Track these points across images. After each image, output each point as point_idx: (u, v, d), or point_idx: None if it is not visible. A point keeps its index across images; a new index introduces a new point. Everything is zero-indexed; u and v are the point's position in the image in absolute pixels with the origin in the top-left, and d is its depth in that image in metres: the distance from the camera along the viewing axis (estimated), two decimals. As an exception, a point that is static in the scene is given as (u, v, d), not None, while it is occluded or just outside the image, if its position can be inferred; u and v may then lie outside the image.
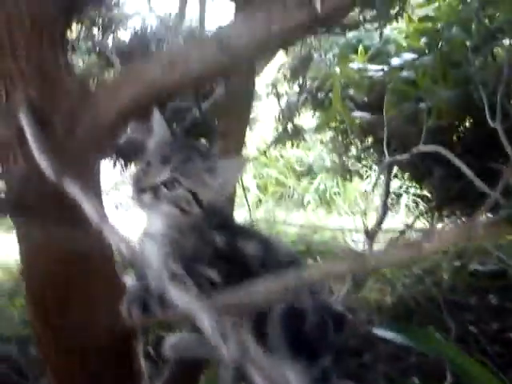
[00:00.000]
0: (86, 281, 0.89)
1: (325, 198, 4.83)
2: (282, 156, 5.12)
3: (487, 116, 1.46)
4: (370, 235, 2.08)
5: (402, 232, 2.01)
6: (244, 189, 2.16)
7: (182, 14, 1.05)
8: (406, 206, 2.62)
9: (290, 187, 5.14)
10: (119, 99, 0.81)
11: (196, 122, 1.48)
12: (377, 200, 4.05)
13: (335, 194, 4.81)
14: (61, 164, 0.75)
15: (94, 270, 0.90)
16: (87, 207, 0.60)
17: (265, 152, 2.12)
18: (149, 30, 1.76)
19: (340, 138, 2.68)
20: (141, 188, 0.85)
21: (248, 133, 1.67)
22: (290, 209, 4.84)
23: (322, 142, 2.97)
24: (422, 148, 1.47)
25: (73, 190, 0.63)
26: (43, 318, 0.91)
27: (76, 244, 0.85)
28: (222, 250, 0.95)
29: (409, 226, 2.07)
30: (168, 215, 0.91)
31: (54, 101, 0.79)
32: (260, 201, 5.01)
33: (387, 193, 2.14)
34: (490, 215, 1.01)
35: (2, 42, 0.74)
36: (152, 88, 0.80)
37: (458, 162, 1.40)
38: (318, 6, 0.66)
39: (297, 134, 2.35)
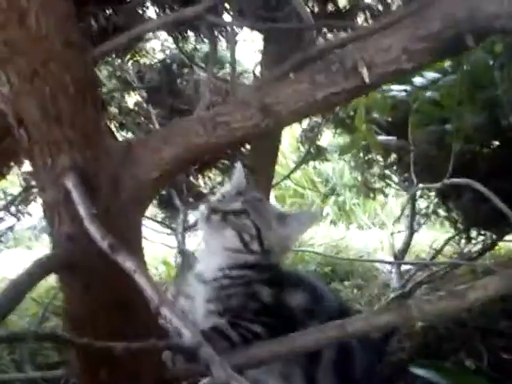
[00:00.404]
0: (128, 331, 0.90)
1: (344, 210, 4.80)
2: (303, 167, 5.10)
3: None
4: (399, 258, 2.07)
5: (432, 258, 2.01)
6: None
7: (213, 53, 1.06)
8: (433, 226, 2.61)
9: (308, 198, 5.12)
10: (161, 159, 0.81)
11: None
12: (397, 210, 4.02)
13: (355, 205, 4.78)
14: (105, 224, 0.77)
15: (136, 320, 0.91)
16: (144, 284, 0.60)
17: (290, 174, 2.11)
18: (174, 66, 1.77)
19: (362, 154, 2.66)
20: (213, 209, 0.96)
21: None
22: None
23: (343, 159, 2.97)
24: (454, 180, 1.46)
25: (127, 264, 0.63)
26: (89, 369, 0.93)
27: (120, 296, 0.87)
28: (268, 305, 0.96)
29: (438, 251, 2.06)
30: (229, 244, 0.96)
31: (98, 163, 0.80)
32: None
33: (413, 215, 2.13)
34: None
35: (48, 109, 0.75)
36: (194, 148, 0.80)
37: (487, 192, 1.39)
38: (366, 76, 0.65)
39: (320, 155, 2.35)
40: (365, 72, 0.66)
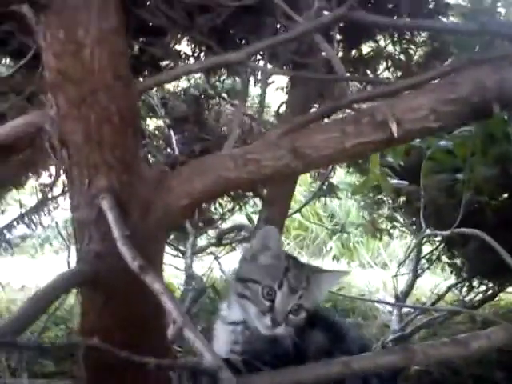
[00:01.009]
0: (141, 350, 0.93)
1: (348, 247, 4.83)
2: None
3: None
4: (400, 300, 2.09)
5: (433, 303, 2.04)
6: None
7: (244, 91, 1.11)
8: (436, 272, 2.64)
9: (312, 231, 5.15)
10: (192, 189, 0.86)
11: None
12: (400, 252, 4.05)
13: (358, 243, 4.81)
14: (134, 246, 0.81)
15: (149, 340, 0.94)
16: (170, 307, 0.64)
17: (300, 209, 2.15)
18: (202, 97, 1.84)
19: (372, 194, 2.70)
20: (276, 321, 0.98)
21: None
22: (312, 254, 4.85)
23: (353, 197, 3.01)
24: (462, 230, 1.50)
25: (155, 285, 0.67)
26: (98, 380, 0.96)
27: (137, 316, 0.91)
28: (287, 350, 1.00)
29: (439, 297, 2.09)
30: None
31: (132, 188, 0.85)
32: (282, 244, 5.02)
33: (418, 260, 2.16)
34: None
35: (91, 135, 0.80)
36: (224, 182, 0.85)
37: (494, 243, 1.43)
38: (395, 129, 0.70)
39: (331, 192, 2.39)
40: (394, 126, 0.70)
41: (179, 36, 1.34)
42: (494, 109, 0.64)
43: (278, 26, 1.23)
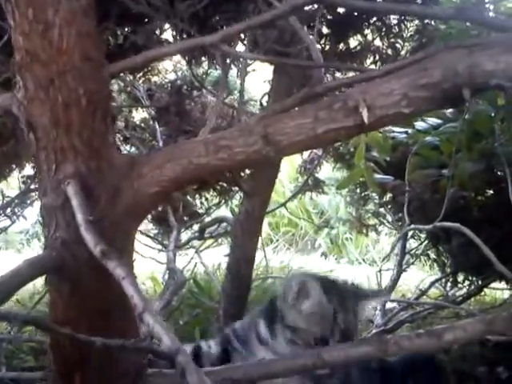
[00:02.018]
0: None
1: (336, 243, 4.83)
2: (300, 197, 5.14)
3: (511, 198, 1.48)
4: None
5: (416, 298, 2.03)
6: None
7: (224, 80, 1.09)
8: (422, 267, 2.63)
9: (301, 228, 5.14)
10: (162, 176, 0.84)
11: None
12: (388, 248, 4.05)
13: (347, 239, 4.81)
14: (100, 232, 0.79)
15: (115, 330, 0.92)
16: (130, 292, 0.63)
17: (285, 203, 2.14)
18: (184, 88, 1.82)
19: (359, 190, 2.70)
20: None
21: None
22: (301, 250, 4.85)
23: (340, 193, 3.00)
24: (445, 224, 1.49)
25: (117, 270, 0.65)
26: (64, 372, 0.94)
27: (103, 304, 0.89)
28: None
29: (423, 292, 2.08)
30: None
31: (100, 174, 0.83)
32: (271, 240, 5.02)
33: (403, 255, 2.15)
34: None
35: (59, 118, 0.78)
36: (195, 168, 0.83)
37: (476, 238, 1.42)
38: (365, 115, 0.69)
39: (317, 187, 2.38)
40: (365, 113, 0.69)
41: (161, 24, 1.32)
42: (464, 95, 0.62)
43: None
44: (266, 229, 5.19)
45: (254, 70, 1.18)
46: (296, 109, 0.79)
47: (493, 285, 2.25)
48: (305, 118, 0.75)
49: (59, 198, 0.81)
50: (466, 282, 2.19)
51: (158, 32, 1.44)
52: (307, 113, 0.75)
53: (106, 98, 0.81)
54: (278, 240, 5.07)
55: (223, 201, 2.52)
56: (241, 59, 1.13)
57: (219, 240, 2.57)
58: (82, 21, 0.75)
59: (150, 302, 0.62)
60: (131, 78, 2.29)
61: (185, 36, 1.29)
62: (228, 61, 1.14)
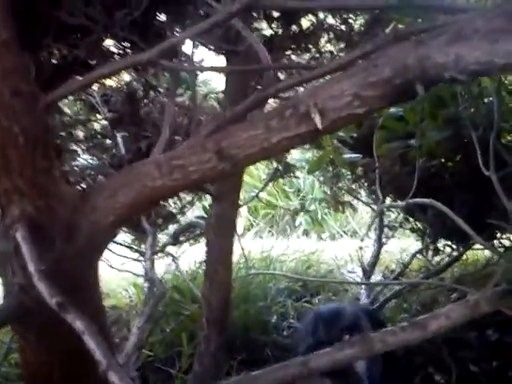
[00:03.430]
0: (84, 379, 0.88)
1: (316, 220, 4.83)
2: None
3: (480, 165, 1.47)
4: (367, 271, 2.08)
5: (400, 273, 2.03)
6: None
7: (175, 85, 1.04)
8: (399, 234, 2.64)
9: (281, 209, 5.13)
10: (117, 204, 0.80)
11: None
12: (367, 218, 4.06)
13: (326, 214, 4.81)
14: (60, 272, 0.75)
15: (92, 368, 0.89)
16: (92, 347, 0.59)
17: (258, 193, 2.11)
18: (139, 91, 1.76)
19: (330, 168, 2.68)
20: None
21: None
22: (282, 231, 4.84)
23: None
24: (417, 200, 1.48)
25: (77, 324, 0.61)
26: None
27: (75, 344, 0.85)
28: None
29: (406, 266, 2.08)
30: None
31: (50, 211, 0.78)
32: (252, 225, 5.00)
33: (381, 229, 2.15)
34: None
35: (-4, 160, 0.73)
36: (150, 192, 0.79)
37: (450, 212, 1.41)
38: (318, 121, 0.65)
39: (288, 171, 2.35)
40: (317, 118, 0.65)
41: (101, 34, 1.26)
42: (418, 89, 0.59)
43: (202, 14, 1.16)
44: (245, 214, 5.17)
45: (210, 62, 1.13)
46: (247, 119, 0.75)
47: (474, 246, 2.26)
48: (257, 128, 0.71)
49: (10, 243, 0.76)
50: (447, 249, 2.19)
51: (100, 42, 1.37)
52: (259, 123, 0.71)
53: (44, 131, 0.76)
54: (258, 224, 5.05)
55: (196, 199, 2.47)
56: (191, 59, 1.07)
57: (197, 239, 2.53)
58: (6, 57, 0.70)
59: (115, 358, 0.57)
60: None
61: (127, 44, 1.23)
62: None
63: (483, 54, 0.54)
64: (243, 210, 5.20)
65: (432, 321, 0.91)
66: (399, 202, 1.60)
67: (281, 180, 5.25)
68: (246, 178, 5.23)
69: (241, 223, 4.95)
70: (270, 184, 5.23)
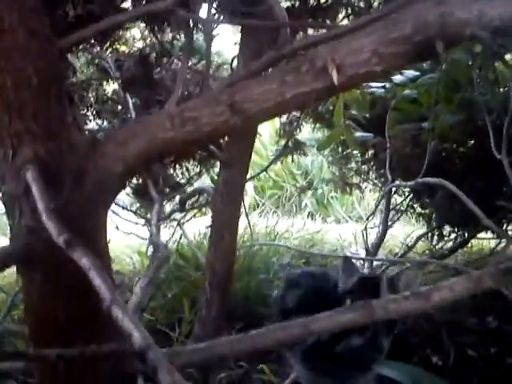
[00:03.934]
0: (89, 318, 0.88)
1: (322, 203, 4.82)
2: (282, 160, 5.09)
3: (492, 147, 1.45)
4: (371, 252, 2.08)
5: (403, 254, 2.03)
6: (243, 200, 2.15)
7: (188, 46, 1.04)
8: (406, 218, 2.62)
9: (287, 190, 5.13)
10: (128, 153, 0.80)
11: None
12: (373, 204, 4.06)
13: (332, 198, 4.81)
14: (67, 217, 0.75)
15: (97, 306, 0.90)
16: (98, 283, 0.59)
17: (266, 168, 2.10)
18: (152, 56, 1.75)
19: (340, 149, 2.67)
20: None
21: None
22: (288, 212, 4.84)
23: (321, 153, 2.97)
24: (426, 179, 1.47)
25: (83, 261, 0.62)
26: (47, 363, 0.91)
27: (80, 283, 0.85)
28: None
29: (410, 248, 2.08)
30: None
31: (61, 156, 0.78)
32: (257, 204, 5.00)
33: (388, 211, 2.14)
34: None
35: (10, 101, 0.73)
36: (161, 143, 0.79)
37: (458, 191, 1.40)
38: (335, 76, 0.64)
39: (298, 149, 2.34)
40: (334, 73, 0.65)
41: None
42: (437, 47, 0.58)
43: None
44: (251, 193, 5.18)
45: (218, 34, 1.12)
46: (263, 74, 0.75)
47: (479, 235, 2.26)
48: (272, 83, 0.70)
49: (20, 185, 0.77)
50: (452, 235, 2.19)
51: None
52: (274, 77, 0.71)
53: (58, 75, 0.76)
54: (264, 204, 5.06)
55: (204, 170, 2.47)
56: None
57: (204, 210, 2.54)
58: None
59: (118, 294, 0.58)
60: (98, 49, 2.21)
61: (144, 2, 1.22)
62: (192, 25, 1.08)
63: (506, 10, 0.53)
64: (250, 189, 5.21)
65: (435, 292, 0.91)
66: (408, 183, 1.59)
67: (289, 161, 5.26)
68: (254, 157, 5.23)
69: (247, 202, 4.95)
70: (278, 164, 5.25)
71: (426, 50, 0.62)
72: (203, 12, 1.07)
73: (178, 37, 2.03)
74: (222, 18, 1.09)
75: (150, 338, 0.53)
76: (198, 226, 2.51)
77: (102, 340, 0.91)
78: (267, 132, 4.72)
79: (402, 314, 0.93)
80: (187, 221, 2.26)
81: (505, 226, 2.16)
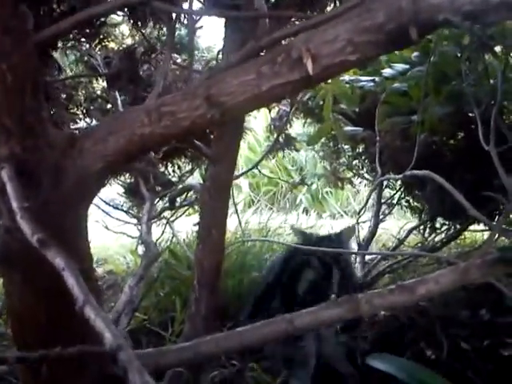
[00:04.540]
0: (70, 318, 0.87)
1: (317, 198, 4.82)
2: (273, 156, 5.07)
3: (480, 138, 1.45)
4: (363, 247, 2.08)
5: (395, 248, 2.02)
6: (233, 196, 2.13)
7: (171, 39, 1.03)
8: (398, 211, 2.62)
9: (282, 186, 5.13)
10: (106, 149, 0.79)
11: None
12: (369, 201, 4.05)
13: (327, 193, 4.81)
14: (45, 217, 0.74)
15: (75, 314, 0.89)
16: (71, 283, 0.58)
17: (257, 164, 2.09)
18: (139, 50, 1.74)
19: (331, 144, 2.66)
20: None
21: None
22: (283, 208, 4.84)
23: (313, 148, 2.96)
24: (415, 172, 1.46)
25: (56, 261, 0.61)
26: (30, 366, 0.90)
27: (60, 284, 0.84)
28: None
29: (401, 241, 2.07)
30: None
31: (38, 153, 0.77)
32: (252, 201, 5.00)
33: (379, 205, 2.14)
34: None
35: (-16, 98, 0.72)
36: (140, 139, 0.78)
37: (449, 186, 1.39)
38: (310, 66, 0.64)
39: (289, 144, 2.33)
40: (309, 63, 0.64)
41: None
42: (411, 34, 0.58)
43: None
44: (246, 190, 5.17)
45: (201, 27, 1.11)
46: (239, 66, 0.74)
47: (472, 227, 2.25)
48: (248, 74, 0.69)
49: (-4, 183, 0.76)
50: (444, 227, 2.18)
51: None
52: (250, 69, 0.70)
53: (33, 71, 0.75)
54: (259, 201, 5.06)
55: (196, 167, 2.46)
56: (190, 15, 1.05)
57: (196, 208, 2.53)
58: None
59: (91, 294, 0.57)
60: (87, 46, 2.19)
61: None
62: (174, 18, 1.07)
63: (479, -6, 0.52)
64: (245, 187, 5.20)
65: (420, 285, 0.90)
66: (396, 176, 1.58)
67: (284, 158, 5.25)
68: (247, 153, 5.22)
69: (242, 199, 4.95)
70: (273, 161, 5.25)
71: (399, 37, 0.61)
72: (186, 4, 1.06)
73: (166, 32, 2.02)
74: (203, 9, 1.07)
75: (122, 338, 0.52)
76: (190, 224, 2.50)
77: (85, 341, 0.90)
78: (261, 129, 4.72)
79: (388, 307, 0.93)
80: (177, 218, 2.26)
81: (496, 218, 2.15)
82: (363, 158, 2.44)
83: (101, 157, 0.79)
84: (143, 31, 1.59)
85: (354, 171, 2.50)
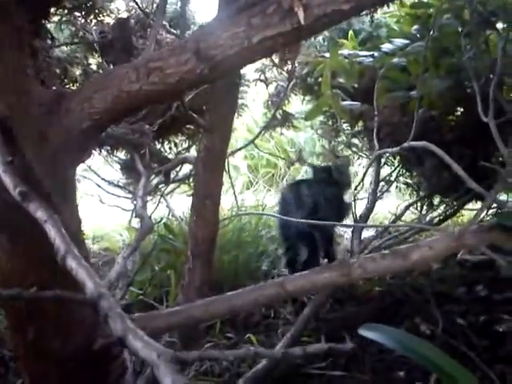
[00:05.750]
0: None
1: (315, 179, 4.79)
2: (272, 137, 5.05)
3: (479, 110, 1.42)
4: (358, 227, 2.06)
5: (392, 223, 2.01)
6: (229, 173, 2.11)
7: (162, 4, 1.01)
8: (396, 193, 2.60)
9: (280, 168, 5.10)
10: (93, 109, 0.77)
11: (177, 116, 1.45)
12: (366, 181, 4.04)
13: (326, 174, 4.77)
14: (32, 173, 0.73)
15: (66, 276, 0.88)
16: (52, 234, 0.57)
17: (254, 139, 2.07)
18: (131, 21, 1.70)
19: (330, 122, 2.64)
20: None
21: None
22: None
23: (311, 127, 2.93)
24: (412, 143, 1.44)
25: (38, 213, 0.59)
26: (18, 326, 0.89)
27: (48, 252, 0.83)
28: None
29: (398, 217, 2.06)
30: None
31: (23, 110, 0.75)
32: (251, 182, 4.97)
33: (377, 182, 2.12)
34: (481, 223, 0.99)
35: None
36: (127, 97, 0.76)
37: (447, 158, 1.37)
38: (301, 16, 0.61)
39: (286, 121, 2.31)
40: (301, 13, 0.62)
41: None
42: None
43: None
44: (245, 171, 5.14)
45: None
46: (229, 18, 0.71)
47: (469, 206, 2.23)
48: (238, 26, 0.67)
49: (-20, 140, 0.74)
50: (442, 205, 2.17)
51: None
52: (240, 21, 0.68)
53: (17, 28, 0.73)
54: (257, 182, 5.03)
55: (192, 145, 2.44)
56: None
57: (191, 186, 2.51)
58: None
59: (73, 246, 0.55)
60: (82, 21, 2.16)
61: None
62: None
63: None
64: (243, 168, 5.18)
65: (414, 251, 0.89)
66: (393, 149, 1.56)
67: (283, 139, 5.22)
68: (245, 133, 5.19)
69: (240, 181, 4.93)
70: (272, 142, 5.22)
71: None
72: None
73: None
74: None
75: (104, 287, 0.50)
76: (186, 202, 2.48)
77: (71, 311, 0.89)
78: (259, 107, 4.67)
79: (381, 272, 0.91)
80: (172, 191, 2.24)
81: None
82: (362, 136, 2.41)
83: (87, 115, 0.77)
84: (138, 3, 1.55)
85: (353, 149, 2.48)
